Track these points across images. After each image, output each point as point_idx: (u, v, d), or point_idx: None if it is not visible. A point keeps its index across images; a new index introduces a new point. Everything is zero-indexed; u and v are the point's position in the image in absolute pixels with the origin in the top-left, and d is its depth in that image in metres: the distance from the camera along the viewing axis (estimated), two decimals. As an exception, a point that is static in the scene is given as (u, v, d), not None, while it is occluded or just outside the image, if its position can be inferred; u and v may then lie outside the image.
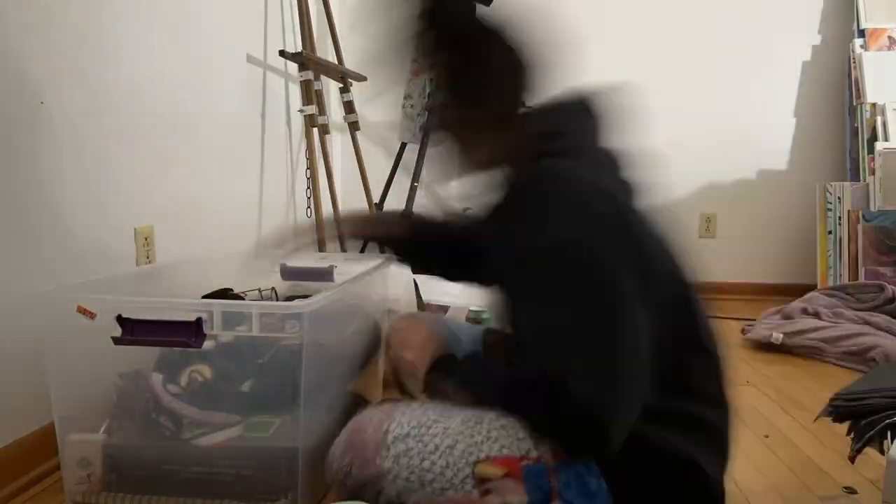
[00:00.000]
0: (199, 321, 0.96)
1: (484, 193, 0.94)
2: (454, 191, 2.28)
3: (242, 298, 1.38)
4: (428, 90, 0.91)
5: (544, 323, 0.74)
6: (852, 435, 1.00)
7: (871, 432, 0.96)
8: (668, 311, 0.79)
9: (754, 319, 2.39)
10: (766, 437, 1.44)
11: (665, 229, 0.86)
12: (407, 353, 0.96)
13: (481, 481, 0.75)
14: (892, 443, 0.93)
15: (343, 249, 1.47)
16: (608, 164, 0.85)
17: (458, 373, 0.89)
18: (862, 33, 2.83)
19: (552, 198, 0.76)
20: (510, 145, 0.87)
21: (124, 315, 0.97)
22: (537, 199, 0.77)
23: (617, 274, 0.74)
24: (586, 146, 0.85)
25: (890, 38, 2.81)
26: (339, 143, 2.99)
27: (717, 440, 0.82)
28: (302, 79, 2.20)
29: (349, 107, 2.51)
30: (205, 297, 1.29)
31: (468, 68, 0.86)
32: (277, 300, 1.44)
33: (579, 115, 0.89)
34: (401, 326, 1.00)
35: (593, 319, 0.72)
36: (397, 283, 1.79)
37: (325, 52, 2.57)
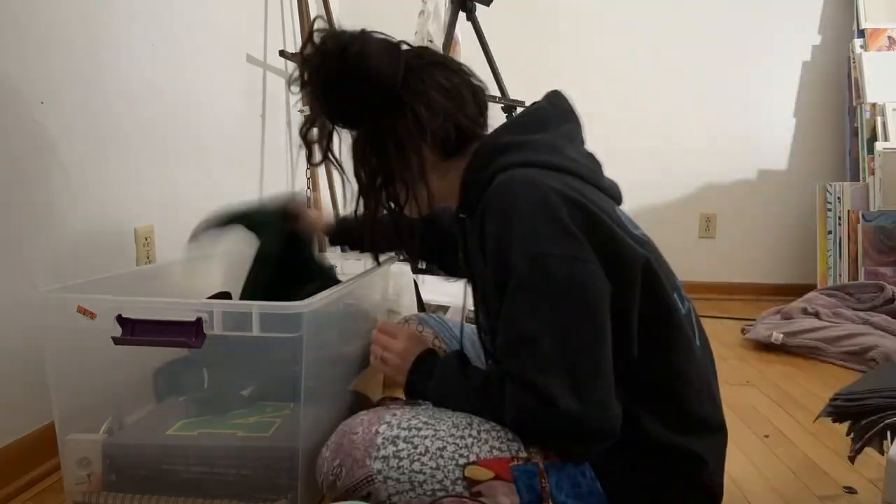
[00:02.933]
0: (199, 321, 0.96)
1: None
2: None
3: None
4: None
5: (524, 334, 0.74)
6: (852, 435, 1.00)
7: (871, 432, 0.96)
8: (663, 314, 0.79)
9: (754, 319, 2.39)
10: (766, 437, 1.44)
11: (648, 237, 0.85)
12: (385, 369, 0.97)
13: (472, 483, 0.75)
14: (892, 443, 0.93)
15: (343, 250, 1.46)
16: (577, 169, 0.82)
17: (433, 376, 0.88)
18: (862, 33, 2.83)
19: (522, 209, 0.75)
20: (468, 170, 0.85)
21: (124, 315, 0.97)
22: (507, 210, 0.76)
23: (595, 287, 0.73)
24: (552, 153, 0.82)
25: (890, 38, 2.81)
26: (339, 143, 2.99)
27: (710, 444, 0.82)
28: (302, 79, 2.20)
29: (349, 107, 2.50)
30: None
31: (406, 111, 0.84)
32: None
33: (543, 122, 0.87)
34: (380, 336, 1.00)
35: (575, 333, 0.73)
36: (397, 283, 1.79)
37: (325, 52, 2.57)
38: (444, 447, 0.76)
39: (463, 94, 0.87)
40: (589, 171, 0.84)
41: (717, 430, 0.84)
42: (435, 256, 1.23)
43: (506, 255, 0.75)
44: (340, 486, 0.77)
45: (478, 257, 0.85)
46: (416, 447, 0.76)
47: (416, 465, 0.75)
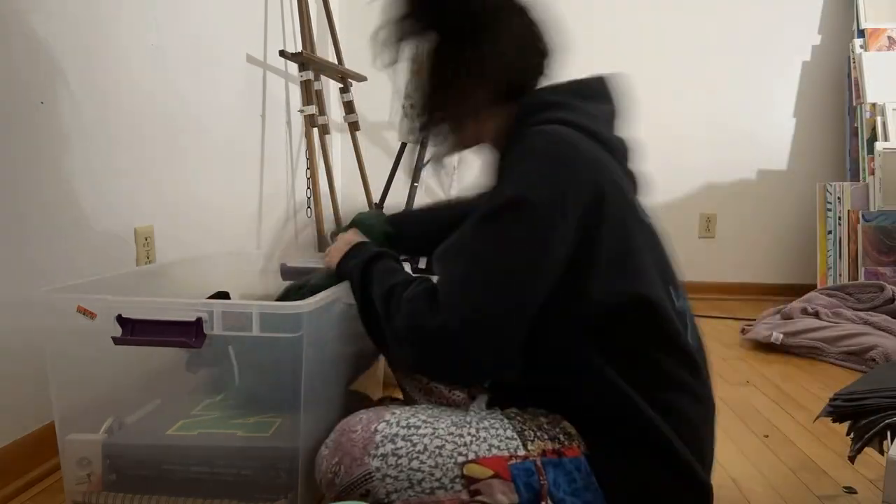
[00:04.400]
0: (199, 321, 0.96)
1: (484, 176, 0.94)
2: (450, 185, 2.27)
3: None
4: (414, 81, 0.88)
5: (461, 253, 0.76)
6: (852, 435, 1.00)
7: (871, 432, 0.96)
8: (645, 308, 0.78)
9: (754, 319, 2.39)
10: (766, 437, 1.44)
11: (658, 227, 0.85)
12: (327, 258, 1.05)
13: (471, 481, 0.75)
14: (892, 443, 0.93)
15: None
16: (616, 150, 0.84)
17: (359, 258, 0.94)
18: (862, 33, 2.83)
19: (537, 151, 0.76)
20: (511, 121, 0.85)
21: (124, 315, 0.97)
22: (522, 151, 0.77)
23: (548, 244, 0.74)
24: (593, 126, 0.83)
25: (890, 38, 2.81)
26: (339, 143, 2.99)
27: (696, 436, 0.82)
28: (302, 79, 2.20)
29: (349, 107, 2.51)
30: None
31: (480, 43, 0.84)
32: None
33: (591, 96, 0.87)
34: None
35: (498, 266, 0.74)
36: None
37: (325, 52, 2.57)
38: (443, 445, 0.76)
39: (532, 48, 0.87)
40: (618, 148, 0.85)
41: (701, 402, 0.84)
42: None
43: (501, 185, 0.78)
44: (339, 484, 0.77)
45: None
46: (414, 445, 0.76)
47: (415, 464, 0.75)
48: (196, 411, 1.17)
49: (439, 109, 0.88)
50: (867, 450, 0.98)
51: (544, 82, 0.89)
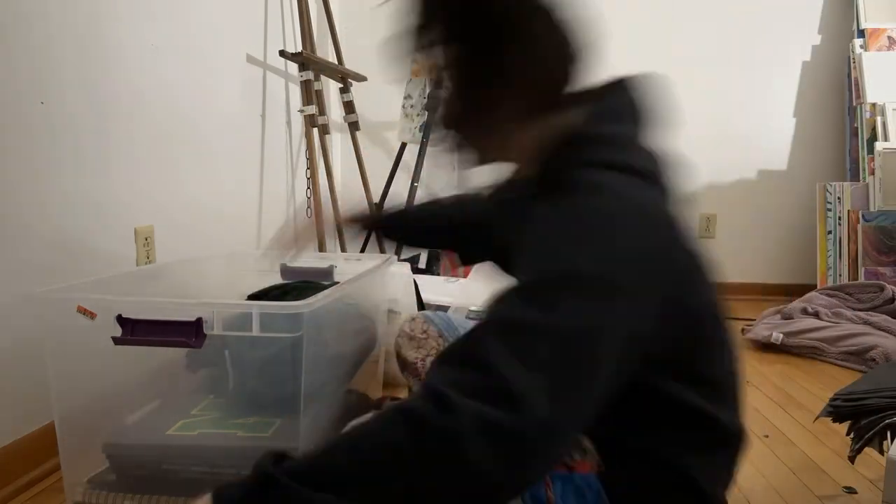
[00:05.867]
0: (199, 321, 0.96)
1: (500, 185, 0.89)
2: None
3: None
4: (432, 80, 0.80)
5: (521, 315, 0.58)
6: (852, 435, 1.00)
7: (871, 432, 0.96)
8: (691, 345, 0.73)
9: (754, 319, 2.39)
10: (766, 437, 1.44)
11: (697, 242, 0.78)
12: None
13: None
14: (892, 443, 0.93)
15: (343, 249, 1.46)
16: (652, 169, 0.75)
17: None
18: (862, 33, 2.83)
19: (609, 219, 0.64)
20: (544, 142, 0.76)
21: (124, 315, 0.97)
22: (590, 214, 0.65)
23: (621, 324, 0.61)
24: (633, 152, 0.75)
25: (890, 38, 2.81)
26: (339, 143, 2.99)
27: (725, 460, 0.80)
28: (302, 79, 2.20)
29: (349, 107, 2.51)
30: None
31: (507, 44, 0.75)
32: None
33: (625, 112, 0.79)
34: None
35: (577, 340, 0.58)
36: (397, 283, 1.79)
37: (325, 52, 2.57)
38: None
39: (561, 53, 0.77)
40: (658, 167, 0.77)
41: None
42: (467, 246, 1.11)
43: (556, 248, 0.63)
44: None
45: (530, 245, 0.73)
46: None
47: None
48: (196, 411, 1.17)
49: (459, 122, 0.80)
50: (867, 450, 0.98)
51: (575, 89, 0.80)
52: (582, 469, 0.76)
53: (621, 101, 0.81)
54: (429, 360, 1.05)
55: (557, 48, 0.77)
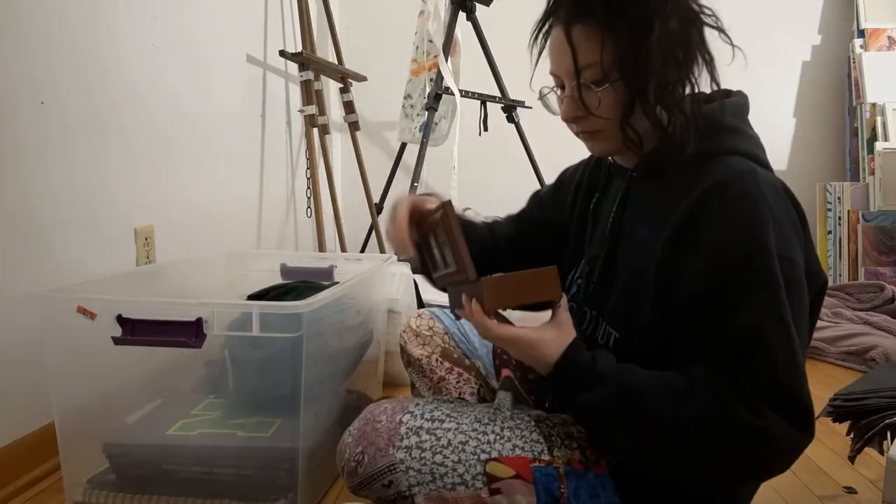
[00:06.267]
0: (199, 321, 0.96)
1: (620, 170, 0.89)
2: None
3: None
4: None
5: (737, 333, 0.67)
6: (852, 435, 1.00)
7: (871, 432, 0.96)
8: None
9: (754, 319, 2.39)
10: (766, 437, 1.44)
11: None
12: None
13: (492, 479, 0.75)
14: (892, 443, 0.93)
15: (343, 249, 1.46)
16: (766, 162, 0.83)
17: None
18: (862, 33, 2.83)
19: (762, 208, 0.71)
20: (684, 130, 0.81)
21: (124, 315, 0.97)
22: (743, 204, 0.71)
23: (804, 292, 0.72)
24: (759, 149, 0.83)
25: (890, 38, 2.81)
26: (339, 143, 2.99)
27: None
28: (302, 79, 2.20)
29: (349, 107, 2.51)
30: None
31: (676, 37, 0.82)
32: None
33: (741, 109, 0.89)
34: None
35: (798, 338, 0.68)
36: (397, 282, 1.79)
37: (325, 52, 2.57)
38: (467, 441, 0.76)
39: (693, 48, 0.86)
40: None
41: None
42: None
43: (738, 251, 0.69)
44: (361, 473, 0.77)
45: (643, 225, 0.79)
46: (438, 439, 0.76)
47: (439, 458, 0.75)
48: (196, 411, 1.17)
49: (591, 107, 0.80)
50: (867, 450, 0.98)
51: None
52: (598, 469, 0.77)
53: (743, 100, 0.94)
54: (434, 357, 1.05)
55: (690, 41, 0.86)
